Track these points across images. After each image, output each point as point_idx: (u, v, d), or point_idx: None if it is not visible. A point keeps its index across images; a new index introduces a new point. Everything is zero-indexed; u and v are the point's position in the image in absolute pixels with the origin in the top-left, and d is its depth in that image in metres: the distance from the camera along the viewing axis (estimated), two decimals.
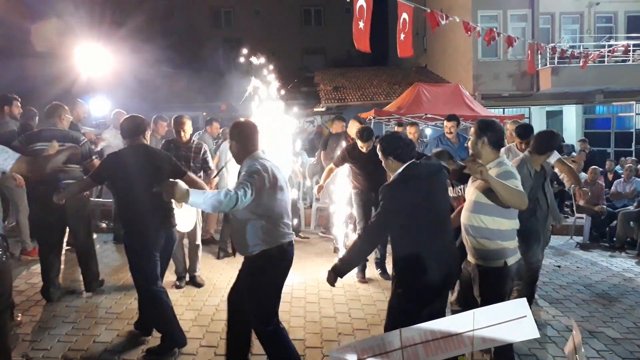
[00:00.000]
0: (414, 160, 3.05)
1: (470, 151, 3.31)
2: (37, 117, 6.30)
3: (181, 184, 2.65)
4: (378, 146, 3.19)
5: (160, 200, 3.48)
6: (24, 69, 14.32)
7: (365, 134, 5.27)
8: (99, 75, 11.75)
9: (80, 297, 4.90)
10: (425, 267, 2.85)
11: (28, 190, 4.79)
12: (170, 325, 3.76)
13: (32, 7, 15.07)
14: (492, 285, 3.22)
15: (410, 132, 7.42)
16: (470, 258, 3.31)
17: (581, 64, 13.12)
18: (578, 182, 5.05)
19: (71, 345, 3.87)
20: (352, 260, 3.08)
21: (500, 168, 3.12)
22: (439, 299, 3.06)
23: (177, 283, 5.26)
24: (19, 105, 6.05)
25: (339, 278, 3.03)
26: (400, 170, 3.02)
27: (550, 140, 4.17)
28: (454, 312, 3.64)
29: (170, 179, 2.76)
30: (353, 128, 6.74)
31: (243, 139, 3.22)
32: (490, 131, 3.17)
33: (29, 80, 14.18)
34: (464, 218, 3.27)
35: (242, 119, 3.46)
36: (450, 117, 6.83)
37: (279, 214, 3.17)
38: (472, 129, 3.28)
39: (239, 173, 3.16)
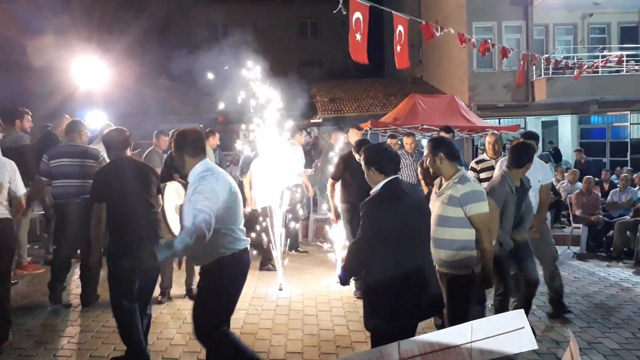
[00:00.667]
0: (397, 175, 3.03)
1: (431, 170, 3.44)
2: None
3: (146, 253, 2.67)
4: (362, 155, 3.15)
5: (150, 212, 3.48)
6: (20, 83, 14.34)
7: (362, 145, 5.27)
8: (96, 89, 11.77)
9: (74, 310, 4.88)
10: (398, 289, 2.82)
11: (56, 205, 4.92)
12: (138, 342, 3.66)
13: (29, 21, 15.13)
14: (459, 293, 3.27)
15: (407, 143, 7.42)
16: (438, 268, 3.31)
17: (575, 74, 13.22)
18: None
19: None
20: (350, 269, 3.08)
21: (464, 186, 3.19)
22: (415, 321, 3.01)
23: (159, 298, 5.12)
24: (30, 119, 6.16)
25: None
26: (381, 184, 2.98)
27: (526, 151, 4.15)
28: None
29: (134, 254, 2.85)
30: (353, 136, 6.76)
31: (192, 148, 3.12)
32: (443, 146, 3.30)
33: (25, 95, 14.19)
34: (431, 232, 3.27)
35: (184, 128, 3.36)
36: (447, 129, 6.72)
37: (233, 221, 3.13)
38: (426, 149, 3.39)
39: (190, 187, 3.05)
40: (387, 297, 2.83)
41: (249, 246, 3.27)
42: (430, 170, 3.46)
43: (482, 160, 5.60)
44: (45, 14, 15.90)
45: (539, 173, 4.84)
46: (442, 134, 6.79)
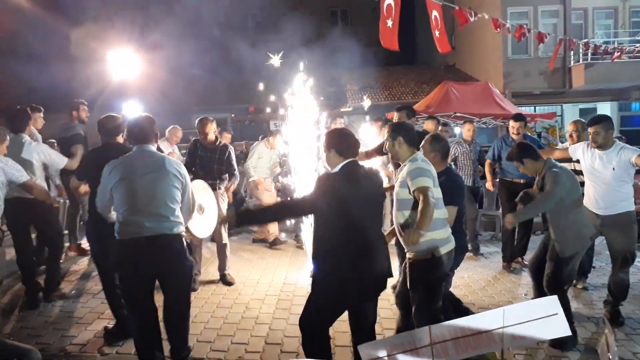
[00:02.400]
0: (354, 159, 3.09)
1: (389, 154, 3.45)
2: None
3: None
4: (324, 138, 3.25)
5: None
6: (57, 74, 14.76)
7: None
8: (130, 79, 12.01)
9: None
10: (336, 266, 2.90)
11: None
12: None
13: (65, 12, 15.52)
14: (417, 281, 3.25)
15: (467, 130, 7.22)
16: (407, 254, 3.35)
17: (614, 57, 12.75)
18: None
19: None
20: (259, 216, 3.36)
21: (411, 164, 3.19)
22: (353, 302, 3.06)
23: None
24: (86, 109, 6.35)
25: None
26: (340, 166, 3.04)
27: (530, 146, 4.18)
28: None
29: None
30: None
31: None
32: (403, 131, 3.33)
33: (62, 85, 14.61)
34: (393, 217, 3.30)
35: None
36: (517, 117, 6.31)
37: None
38: (386, 133, 3.41)
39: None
40: (332, 280, 2.93)
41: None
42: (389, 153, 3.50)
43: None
44: (84, 3, 16.29)
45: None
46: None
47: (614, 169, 4.33)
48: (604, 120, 4.41)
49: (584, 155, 4.58)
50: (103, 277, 4.11)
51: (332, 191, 2.89)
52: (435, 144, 3.81)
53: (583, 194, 4.46)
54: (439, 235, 3.21)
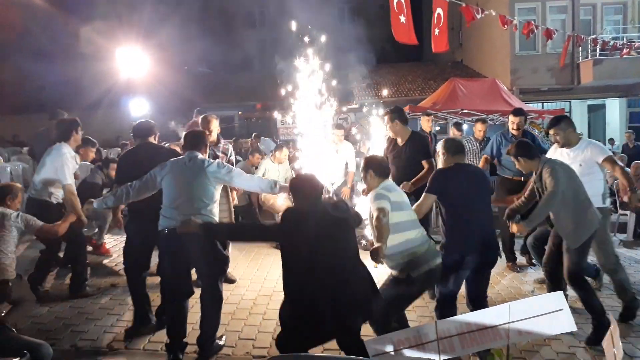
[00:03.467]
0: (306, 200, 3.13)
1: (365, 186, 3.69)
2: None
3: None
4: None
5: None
6: (66, 72, 14.88)
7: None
8: (138, 77, 12.08)
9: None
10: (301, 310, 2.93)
11: None
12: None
13: (74, 10, 15.63)
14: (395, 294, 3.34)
15: (478, 130, 7.09)
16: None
17: (623, 53, 12.66)
18: (631, 183, 4.77)
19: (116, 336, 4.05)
20: (223, 231, 3.68)
21: (372, 193, 3.41)
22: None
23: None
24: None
25: None
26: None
27: (527, 145, 4.29)
28: None
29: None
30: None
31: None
32: (373, 164, 3.59)
33: (71, 83, 14.73)
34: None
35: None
36: (517, 112, 6.08)
37: None
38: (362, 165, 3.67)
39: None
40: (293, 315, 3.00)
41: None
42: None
43: None
44: (91, 3, 16.39)
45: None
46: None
47: (580, 165, 4.49)
48: (561, 120, 4.64)
49: (555, 155, 4.69)
50: (128, 274, 4.23)
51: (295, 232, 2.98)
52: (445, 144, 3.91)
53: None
54: (411, 235, 3.36)
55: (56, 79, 14.09)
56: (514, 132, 5.93)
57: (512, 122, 5.96)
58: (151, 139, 4.37)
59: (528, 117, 11.19)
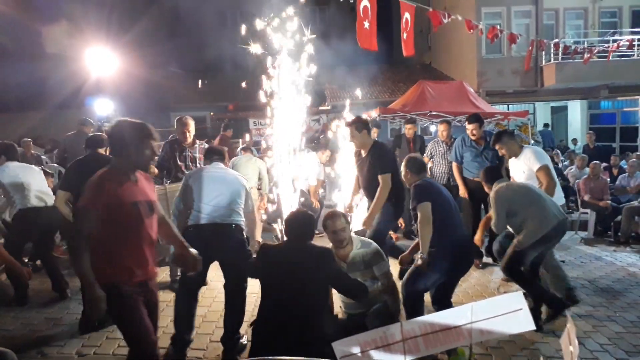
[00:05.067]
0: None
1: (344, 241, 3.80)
2: None
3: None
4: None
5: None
6: (33, 72, 14.50)
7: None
8: (107, 77, 11.86)
9: None
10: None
11: None
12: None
13: (41, 9, 15.24)
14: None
15: (442, 131, 7.26)
16: None
17: (585, 58, 13.08)
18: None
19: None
20: None
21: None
22: None
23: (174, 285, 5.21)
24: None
25: None
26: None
27: (489, 170, 4.78)
28: None
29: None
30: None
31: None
32: (408, 163, 4.06)
33: (37, 83, 14.35)
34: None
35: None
36: (471, 119, 6.21)
37: None
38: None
39: None
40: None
41: None
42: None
43: None
44: (59, 1, 16.00)
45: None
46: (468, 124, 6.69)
47: (524, 172, 5.00)
48: (502, 135, 5.14)
49: (510, 165, 5.29)
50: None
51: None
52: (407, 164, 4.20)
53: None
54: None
55: (23, 79, 13.71)
56: (472, 138, 6.20)
57: (467, 129, 6.24)
58: (101, 151, 4.64)
59: (493, 119, 11.48)
